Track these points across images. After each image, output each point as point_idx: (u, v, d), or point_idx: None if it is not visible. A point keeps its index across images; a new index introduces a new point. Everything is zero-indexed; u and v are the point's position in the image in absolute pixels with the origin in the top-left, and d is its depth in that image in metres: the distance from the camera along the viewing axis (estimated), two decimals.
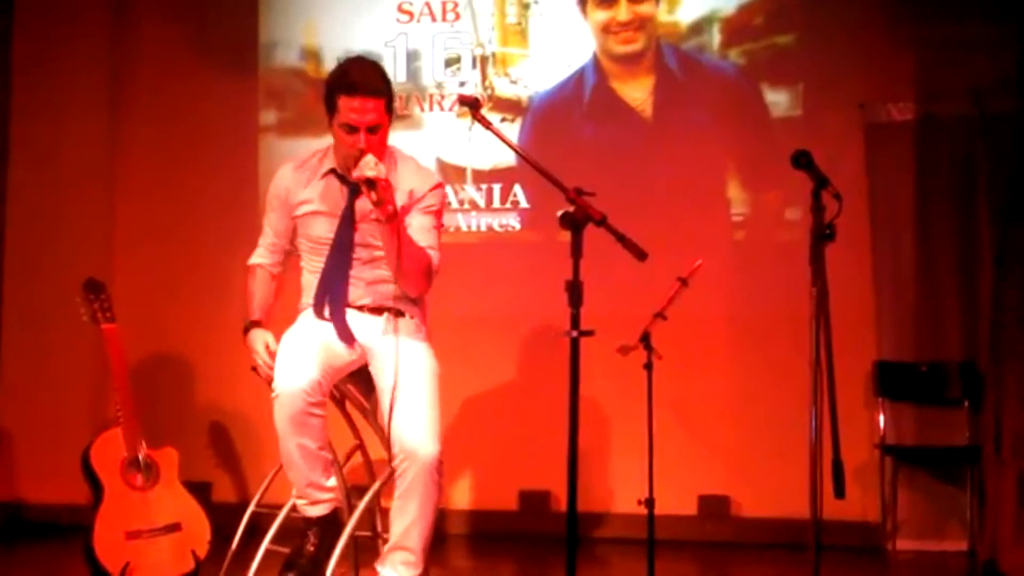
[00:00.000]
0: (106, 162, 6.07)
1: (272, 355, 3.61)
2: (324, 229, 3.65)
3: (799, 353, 3.80)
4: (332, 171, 3.65)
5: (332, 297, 3.61)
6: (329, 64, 5.57)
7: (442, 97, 5.95)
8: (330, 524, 3.60)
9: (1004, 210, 5.03)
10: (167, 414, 5.51)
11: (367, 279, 3.64)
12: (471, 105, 3.36)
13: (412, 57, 6.01)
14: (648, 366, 4.11)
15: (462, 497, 5.80)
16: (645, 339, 4.11)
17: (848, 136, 5.53)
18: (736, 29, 5.80)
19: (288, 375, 3.46)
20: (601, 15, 5.88)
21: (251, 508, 3.85)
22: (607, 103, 5.87)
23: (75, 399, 5.82)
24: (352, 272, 3.63)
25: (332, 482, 3.60)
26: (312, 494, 3.57)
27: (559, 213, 3.15)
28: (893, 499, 5.36)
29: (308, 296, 3.71)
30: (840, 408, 3.19)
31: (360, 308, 3.64)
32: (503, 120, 5.84)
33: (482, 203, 5.90)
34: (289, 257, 3.84)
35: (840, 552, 4.76)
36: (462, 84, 5.96)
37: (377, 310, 3.65)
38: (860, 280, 5.45)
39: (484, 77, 5.96)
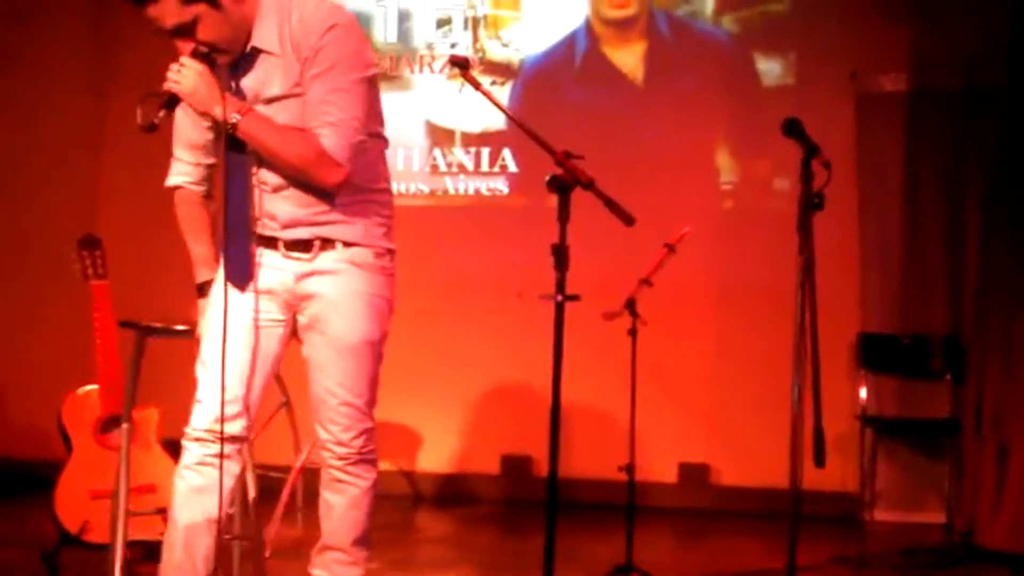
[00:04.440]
0: (92, 115, 6.01)
1: None
2: None
3: (783, 322, 3.79)
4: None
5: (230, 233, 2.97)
6: None
7: (432, 59, 5.91)
8: None
9: (992, 184, 5.02)
10: (153, 372, 5.46)
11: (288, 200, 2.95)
12: (461, 65, 3.26)
13: (403, 17, 5.96)
14: (632, 332, 4.10)
15: (444, 460, 5.80)
16: (630, 305, 4.10)
17: (839, 106, 5.51)
18: None
19: (204, 405, 2.91)
20: None
21: None
22: (598, 68, 5.84)
23: (61, 356, 5.77)
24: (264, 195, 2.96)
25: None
26: None
27: (547, 177, 3.12)
28: (872, 470, 5.39)
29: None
30: (823, 378, 3.18)
31: (279, 243, 2.98)
32: (493, 83, 5.80)
33: (470, 166, 5.87)
34: (215, 172, 3.15)
35: (818, 521, 4.79)
36: (453, 46, 5.91)
37: (301, 244, 2.96)
38: (847, 250, 5.45)
39: (475, 39, 5.91)
